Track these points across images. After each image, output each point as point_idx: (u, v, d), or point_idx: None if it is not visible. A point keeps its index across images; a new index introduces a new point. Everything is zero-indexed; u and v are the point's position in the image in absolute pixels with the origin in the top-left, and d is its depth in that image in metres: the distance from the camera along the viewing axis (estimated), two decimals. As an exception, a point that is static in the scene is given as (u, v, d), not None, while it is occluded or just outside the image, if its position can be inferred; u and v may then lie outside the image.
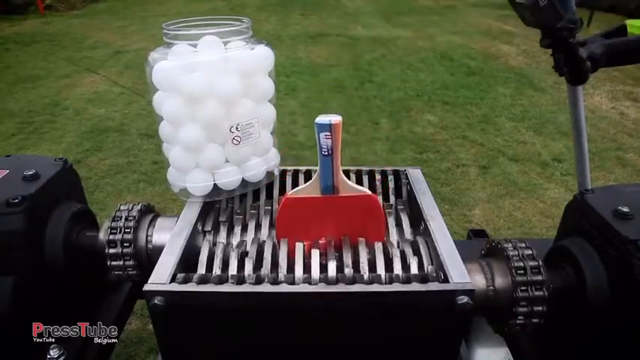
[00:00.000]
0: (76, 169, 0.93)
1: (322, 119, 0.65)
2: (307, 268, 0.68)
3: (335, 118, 0.65)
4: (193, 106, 0.74)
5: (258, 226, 0.84)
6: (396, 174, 0.91)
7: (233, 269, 0.68)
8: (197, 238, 0.78)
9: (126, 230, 0.80)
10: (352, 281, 0.64)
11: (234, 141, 0.77)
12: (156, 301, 0.60)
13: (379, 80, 4.36)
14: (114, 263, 0.80)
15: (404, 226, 0.82)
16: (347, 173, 0.90)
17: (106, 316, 0.91)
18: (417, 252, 0.72)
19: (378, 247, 0.72)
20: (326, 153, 0.67)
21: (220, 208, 0.86)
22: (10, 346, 0.76)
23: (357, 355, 0.69)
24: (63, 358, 0.77)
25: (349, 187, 0.73)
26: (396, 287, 0.62)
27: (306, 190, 0.73)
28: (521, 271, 0.69)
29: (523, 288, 0.68)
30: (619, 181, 2.66)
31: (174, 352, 0.68)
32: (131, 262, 0.80)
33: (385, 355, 0.68)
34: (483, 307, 0.71)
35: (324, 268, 0.69)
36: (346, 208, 0.73)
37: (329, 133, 0.65)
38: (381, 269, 0.68)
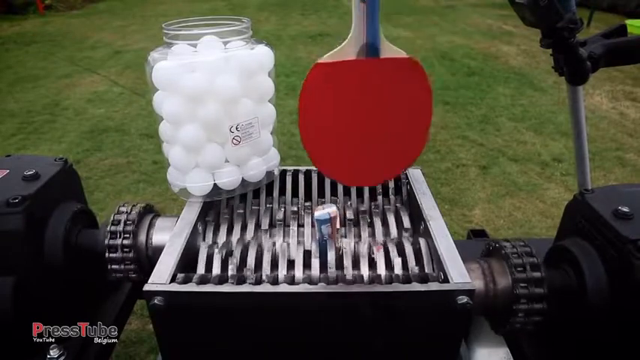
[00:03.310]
0: (76, 169, 0.93)
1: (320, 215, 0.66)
2: (307, 266, 0.68)
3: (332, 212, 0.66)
4: (193, 106, 0.74)
5: (258, 227, 0.84)
6: (396, 174, 0.91)
7: (233, 269, 0.68)
8: (197, 238, 0.78)
9: (126, 229, 0.80)
10: (352, 281, 0.64)
11: (234, 141, 0.77)
12: (156, 301, 0.60)
13: (379, 80, 4.35)
14: (113, 262, 0.80)
15: (404, 226, 0.82)
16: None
17: (106, 316, 0.90)
18: (417, 252, 0.72)
19: (378, 247, 0.72)
20: None
21: (220, 208, 0.86)
22: (11, 346, 0.76)
23: (357, 354, 0.69)
24: (63, 358, 0.77)
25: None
26: (396, 287, 0.62)
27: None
28: (521, 271, 0.69)
29: (523, 288, 0.68)
30: (619, 181, 2.65)
31: (174, 352, 0.68)
32: (130, 259, 0.80)
33: (385, 355, 0.68)
34: (483, 307, 0.72)
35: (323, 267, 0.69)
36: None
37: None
38: (381, 269, 0.69)
